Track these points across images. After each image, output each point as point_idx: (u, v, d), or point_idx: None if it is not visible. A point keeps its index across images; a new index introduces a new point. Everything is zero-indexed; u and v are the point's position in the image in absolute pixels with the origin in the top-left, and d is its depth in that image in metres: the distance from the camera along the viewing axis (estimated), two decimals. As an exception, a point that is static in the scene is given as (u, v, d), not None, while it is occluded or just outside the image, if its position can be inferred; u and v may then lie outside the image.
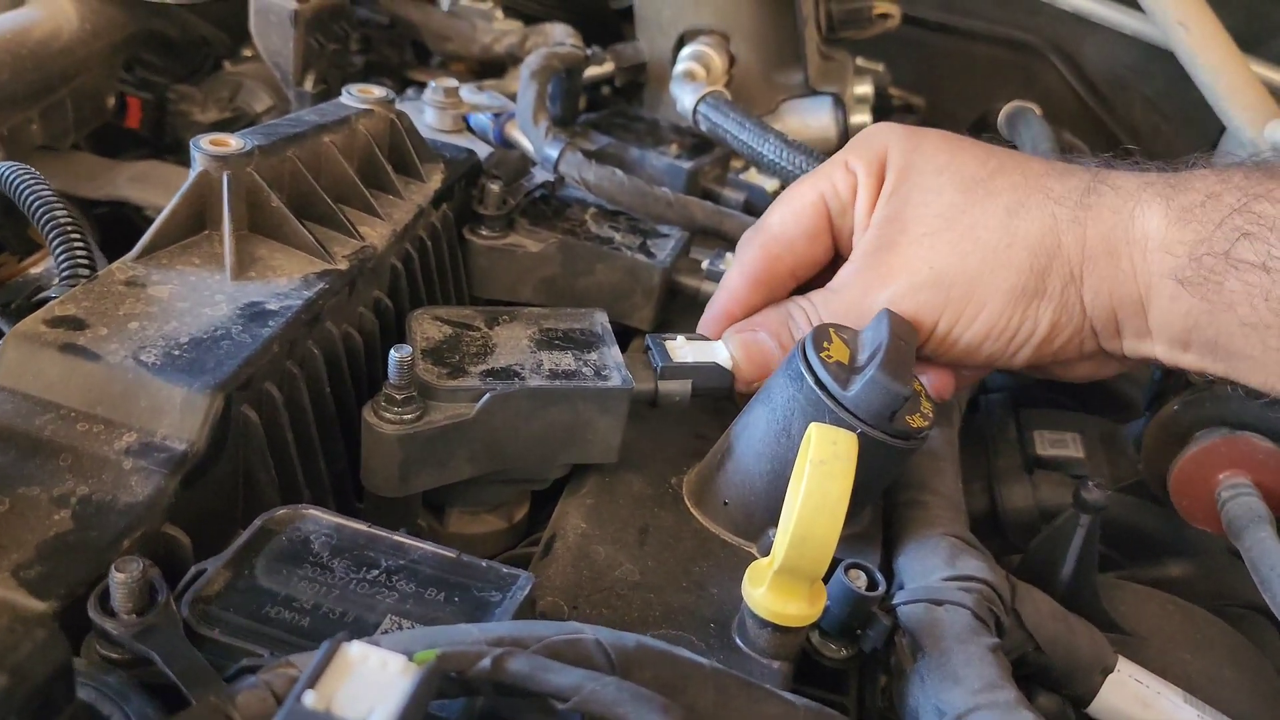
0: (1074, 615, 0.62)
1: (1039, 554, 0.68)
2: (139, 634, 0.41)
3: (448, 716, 0.40)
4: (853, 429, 0.54)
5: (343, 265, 0.63)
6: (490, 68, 1.15)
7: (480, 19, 1.13)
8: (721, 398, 0.67)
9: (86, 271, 0.64)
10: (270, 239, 0.62)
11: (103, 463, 0.48)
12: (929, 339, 0.63)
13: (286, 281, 0.60)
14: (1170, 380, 0.82)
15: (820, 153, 0.88)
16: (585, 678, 0.38)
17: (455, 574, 0.48)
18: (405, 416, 0.57)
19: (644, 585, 0.57)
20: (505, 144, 0.91)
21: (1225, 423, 0.73)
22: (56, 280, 0.66)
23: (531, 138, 0.84)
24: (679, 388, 0.64)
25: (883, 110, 1.22)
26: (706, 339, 0.68)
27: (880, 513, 0.65)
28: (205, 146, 0.60)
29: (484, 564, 0.49)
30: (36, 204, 0.67)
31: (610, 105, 1.11)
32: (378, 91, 0.74)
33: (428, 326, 0.64)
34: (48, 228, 0.66)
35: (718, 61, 1.04)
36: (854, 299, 0.65)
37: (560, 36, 1.04)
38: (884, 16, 1.15)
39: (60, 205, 0.67)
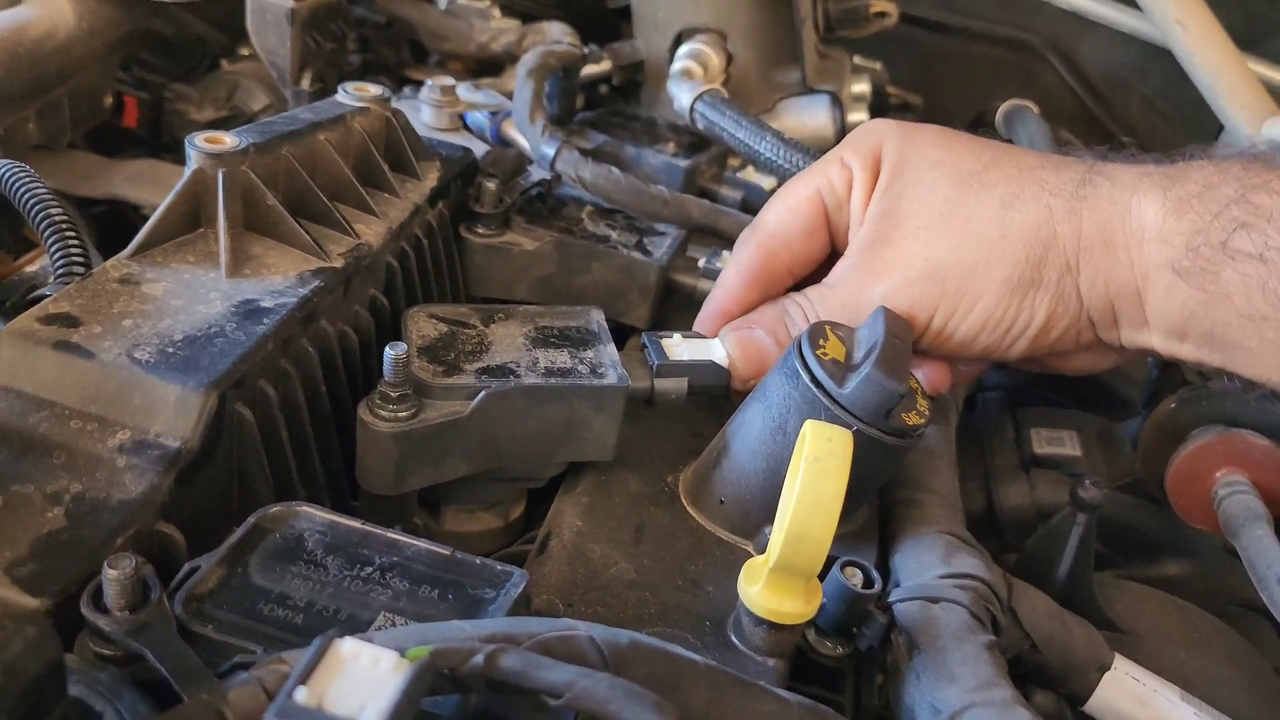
0: (1070, 614, 0.61)
1: (1035, 552, 0.68)
2: (132, 631, 0.41)
3: (440, 713, 0.40)
4: (848, 426, 0.54)
5: (338, 263, 0.63)
6: (487, 66, 1.15)
7: (477, 18, 1.13)
8: (718, 396, 0.67)
9: (81, 269, 0.64)
10: (265, 237, 0.62)
11: (96, 460, 0.48)
12: (925, 332, 0.63)
13: (281, 279, 0.60)
14: (1167, 378, 0.82)
15: (817, 151, 0.88)
16: (578, 674, 0.38)
17: (449, 571, 0.48)
18: (400, 414, 0.57)
19: (639, 583, 0.57)
20: (502, 142, 0.91)
21: (1222, 420, 0.73)
22: (51, 278, 0.65)
23: (528, 136, 0.84)
24: (675, 386, 0.64)
25: (880, 109, 1.22)
26: (703, 337, 0.68)
27: (876, 511, 0.65)
28: (200, 144, 0.60)
29: (478, 561, 0.49)
30: (32, 202, 0.67)
31: (607, 104, 1.11)
32: (373, 90, 0.74)
33: (423, 324, 0.64)
34: (43, 226, 0.66)
35: (715, 60, 1.04)
36: (850, 294, 0.65)
37: (557, 35, 1.04)
38: (881, 15, 1.15)
39: (56, 203, 0.67)
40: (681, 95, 0.96)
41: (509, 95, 0.96)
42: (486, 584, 0.47)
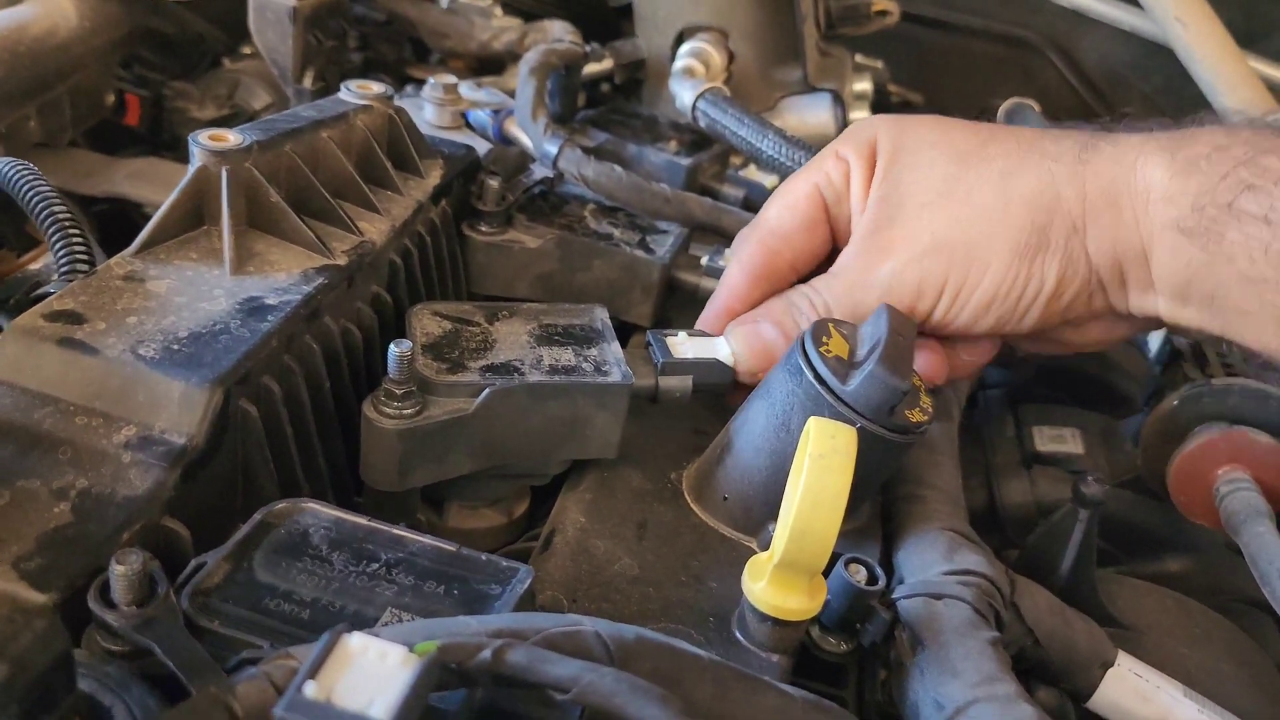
0: (1073, 610, 0.62)
1: (1038, 549, 0.68)
2: (139, 625, 0.41)
3: (447, 708, 0.40)
4: (852, 423, 0.55)
5: (341, 260, 0.63)
6: (488, 65, 1.15)
7: (478, 16, 1.12)
8: (722, 393, 0.67)
9: (85, 267, 0.64)
10: (269, 234, 0.62)
11: (102, 456, 0.48)
12: (935, 308, 0.63)
13: (285, 276, 0.60)
14: (1169, 376, 0.82)
15: (819, 149, 0.88)
16: (584, 669, 0.38)
17: (455, 567, 0.48)
18: (405, 411, 0.57)
19: (643, 580, 0.57)
20: (504, 140, 0.91)
21: (1223, 418, 0.73)
22: (55, 276, 0.65)
23: (530, 134, 0.84)
24: (680, 384, 0.64)
25: (881, 107, 1.22)
26: (707, 335, 0.68)
27: (879, 507, 0.65)
28: (204, 142, 0.60)
29: (483, 557, 0.49)
30: (35, 200, 0.67)
31: (608, 102, 1.11)
32: (376, 87, 0.74)
33: (427, 322, 0.64)
34: (47, 223, 0.66)
35: (716, 58, 1.04)
36: (856, 278, 0.64)
37: (559, 33, 1.04)
38: (882, 13, 1.15)
39: (59, 201, 0.67)
40: (684, 93, 0.96)
41: (511, 93, 0.96)
42: (492, 580, 0.48)
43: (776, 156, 0.88)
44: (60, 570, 0.43)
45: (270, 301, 0.57)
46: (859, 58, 1.22)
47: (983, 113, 1.15)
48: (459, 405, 0.58)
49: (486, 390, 0.59)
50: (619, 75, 1.10)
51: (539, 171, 0.85)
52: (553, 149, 0.82)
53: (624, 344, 0.66)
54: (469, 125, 0.92)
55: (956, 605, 0.55)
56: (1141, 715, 0.58)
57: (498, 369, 0.61)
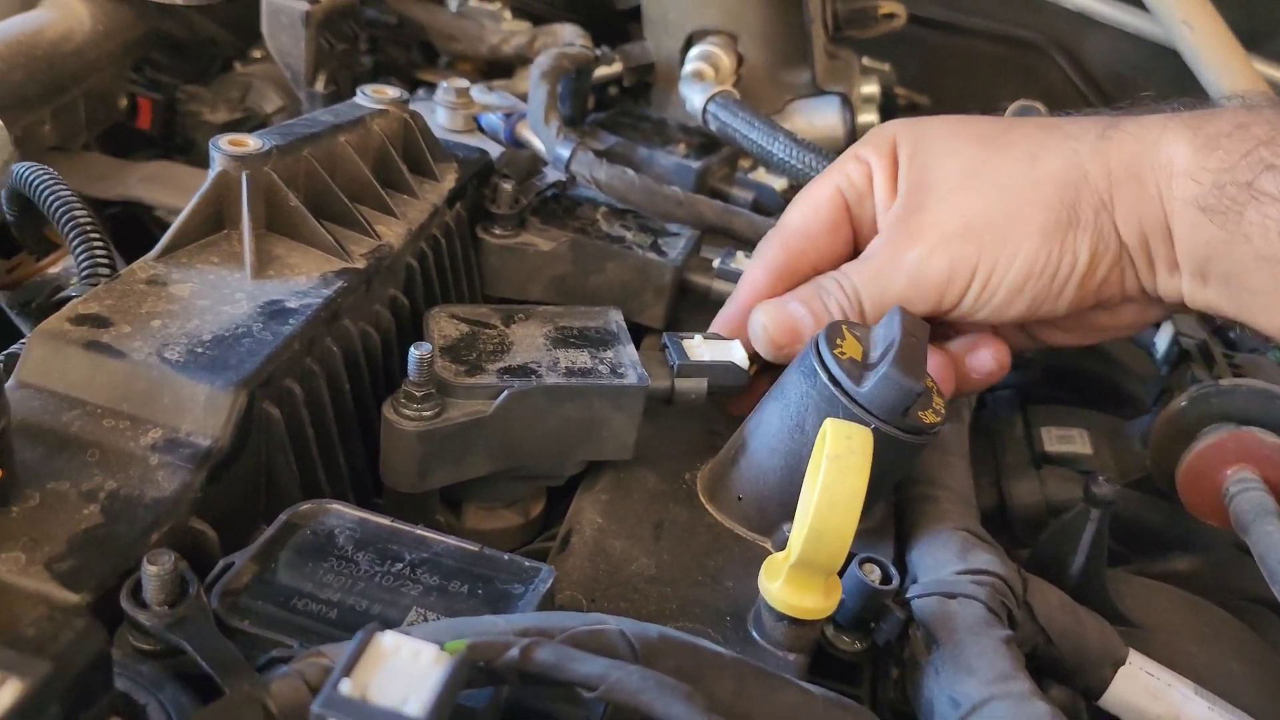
0: (1084, 609, 0.62)
1: (1049, 548, 0.68)
2: (171, 625, 0.42)
3: (474, 706, 0.41)
4: (866, 425, 0.55)
5: (360, 264, 0.63)
6: (497, 68, 1.16)
7: (488, 19, 1.13)
8: (737, 395, 0.68)
9: (106, 271, 0.65)
10: (288, 238, 0.63)
11: (129, 458, 0.49)
12: (966, 293, 0.63)
13: (305, 280, 0.61)
14: (1176, 377, 0.83)
15: (829, 151, 0.89)
16: (610, 667, 0.39)
17: (478, 567, 0.49)
18: (424, 413, 0.58)
19: (660, 579, 0.58)
20: (516, 144, 0.92)
21: (1232, 418, 0.74)
22: (75, 279, 0.66)
23: (543, 138, 0.85)
24: (695, 385, 0.65)
25: (889, 109, 1.22)
26: (723, 338, 0.68)
27: (893, 507, 0.66)
28: (224, 147, 0.61)
29: (506, 557, 0.49)
30: (56, 204, 0.68)
31: (618, 105, 1.12)
32: (392, 92, 0.74)
33: (445, 324, 0.65)
34: (67, 227, 0.66)
35: (726, 61, 1.04)
36: (884, 263, 0.65)
37: (569, 37, 1.05)
38: (890, 16, 1.16)
39: (80, 205, 0.68)
40: (694, 97, 0.97)
41: (521, 97, 0.97)
42: (515, 579, 0.48)
43: (787, 159, 0.88)
44: (91, 571, 0.44)
45: (291, 305, 0.58)
46: (866, 60, 1.23)
47: (989, 114, 1.16)
48: (477, 407, 0.59)
49: (504, 392, 0.59)
50: (628, 78, 1.11)
51: (551, 175, 0.86)
52: (565, 152, 0.83)
53: (639, 346, 0.67)
54: (481, 129, 0.93)
55: (970, 604, 0.55)
56: (1153, 713, 0.59)
57: (515, 371, 0.61)
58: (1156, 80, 1.35)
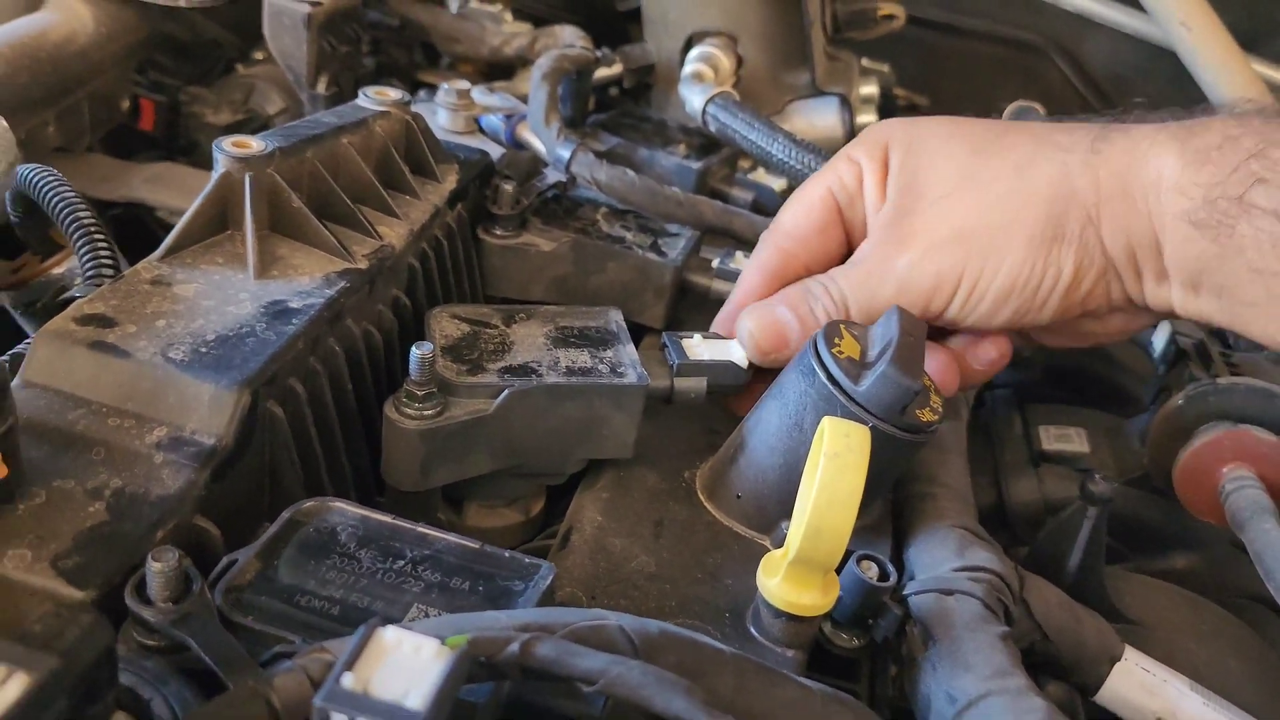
0: (1081, 606, 0.63)
1: (1046, 546, 0.69)
2: (176, 621, 0.42)
3: (475, 701, 0.41)
4: (864, 423, 0.56)
5: (362, 264, 0.64)
6: (499, 69, 1.16)
7: (489, 21, 1.14)
8: (736, 394, 0.68)
9: (111, 271, 0.65)
10: (291, 239, 0.64)
11: (134, 456, 0.49)
12: (952, 300, 0.63)
13: (308, 280, 0.61)
14: (1174, 375, 0.83)
15: (828, 152, 0.89)
16: (611, 662, 0.39)
17: (479, 564, 0.49)
18: (426, 412, 0.58)
19: (660, 576, 0.58)
20: (517, 145, 0.93)
21: (1229, 416, 0.74)
22: (80, 280, 0.67)
23: (544, 139, 0.86)
24: (694, 385, 0.65)
25: (888, 110, 1.23)
26: (722, 337, 0.69)
27: (890, 505, 0.66)
28: (227, 148, 0.61)
29: (506, 554, 0.50)
30: (60, 205, 0.68)
31: (618, 106, 1.12)
32: (394, 94, 0.75)
33: (446, 324, 0.65)
34: (72, 228, 0.67)
35: (726, 63, 1.05)
36: (874, 268, 0.65)
37: (570, 38, 1.05)
38: (889, 17, 1.16)
39: (84, 206, 0.68)
40: (694, 98, 0.97)
41: (522, 98, 0.97)
42: (516, 576, 0.49)
43: (786, 160, 0.89)
44: (97, 568, 0.44)
45: (294, 305, 0.59)
46: (865, 61, 1.23)
47: (987, 116, 1.16)
48: (479, 406, 0.60)
49: (505, 391, 0.60)
50: (628, 80, 1.11)
51: (552, 175, 0.86)
52: (566, 153, 0.83)
53: (637, 346, 0.67)
54: (482, 130, 0.94)
55: (967, 601, 0.56)
56: (1149, 709, 0.59)
57: (516, 370, 0.62)
58: (1155, 81, 1.36)
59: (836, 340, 0.60)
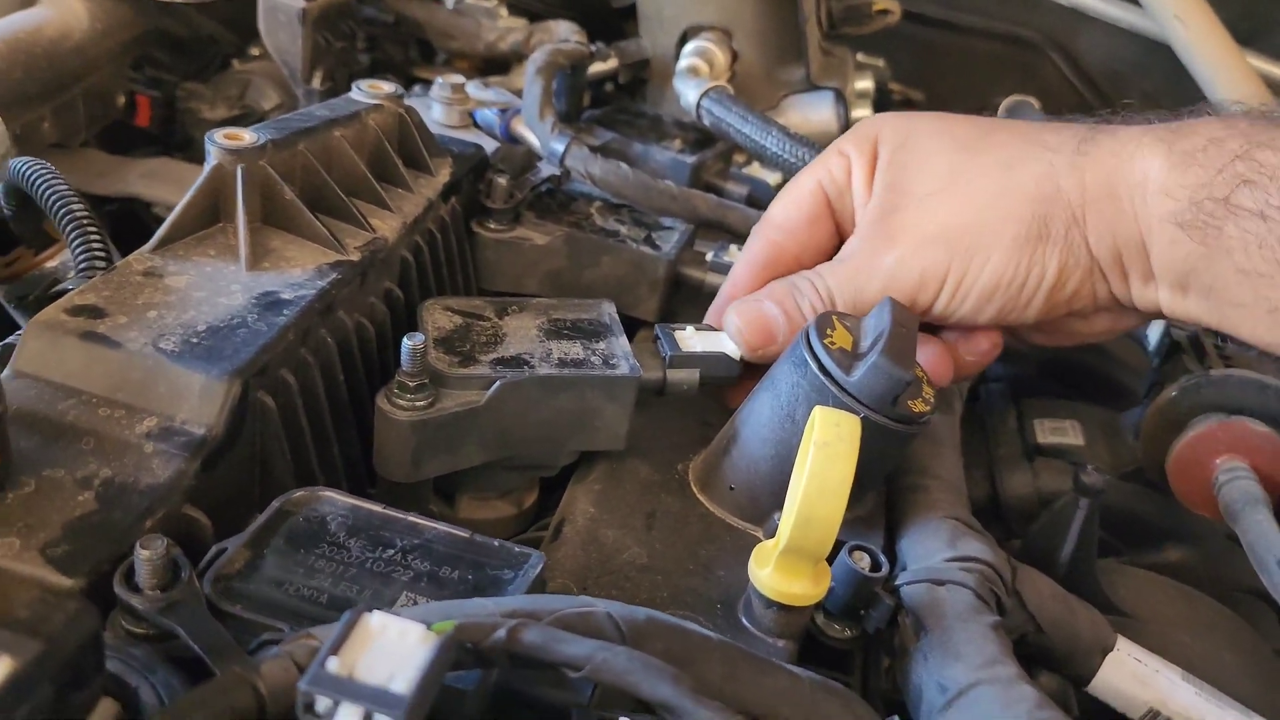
0: (1074, 597, 0.63)
1: (1039, 538, 0.69)
2: (164, 609, 0.42)
3: (463, 688, 0.41)
4: (856, 413, 0.56)
5: (355, 256, 0.64)
6: (494, 65, 1.16)
7: (485, 16, 1.14)
8: (729, 386, 0.68)
9: (103, 264, 0.65)
10: (283, 231, 0.64)
11: (125, 446, 0.49)
12: (937, 298, 0.64)
13: (300, 272, 0.61)
14: (1168, 368, 0.83)
15: (823, 146, 0.89)
16: (597, 648, 0.39)
17: (469, 553, 0.49)
18: (418, 403, 0.58)
19: (652, 568, 0.58)
20: (511, 139, 0.93)
21: (1222, 408, 0.74)
22: (73, 273, 0.67)
23: (538, 133, 0.86)
24: (687, 376, 0.65)
25: (883, 105, 1.23)
26: (715, 329, 0.69)
27: (883, 496, 0.66)
28: (219, 140, 0.61)
29: (496, 543, 0.50)
30: (53, 198, 0.68)
31: (613, 101, 1.12)
32: (387, 87, 0.75)
33: (439, 316, 0.65)
34: (64, 221, 0.67)
35: (720, 57, 1.05)
36: (860, 264, 0.65)
37: (565, 33, 1.05)
38: (884, 13, 1.16)
39: (76, 199, 0.68)
40: (688, 92, 0.97)
41: (517, 93, 0.97)
42: (505, 565, 0.49)
43: (780, 153, 0.89)
44: (86, 556, 0.44)
45: (286, 296, 0.59)
46: (861, 56, 1.23)
47: (982, 110, 1.16)
48: (470, 397, 0.60)
49: (497, 383, 0.60)
50: (623, 75, 1.11)
51: (546, 170, 0.86)
52: (560, 147, 0.83)
53: (631, 339, 0.67)
54: (476, 124, 0.94)
55: (959, 591, 0.56)
56: (1141, 699, 0.59)
57: (508, 362, 0.62)
58: (1151, 77, 1.36)
59: (829, 331, 0.60)
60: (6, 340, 0.58)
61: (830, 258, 0.69)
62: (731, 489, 0.63)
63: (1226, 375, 0.74)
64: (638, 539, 0.60)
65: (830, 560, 0.53)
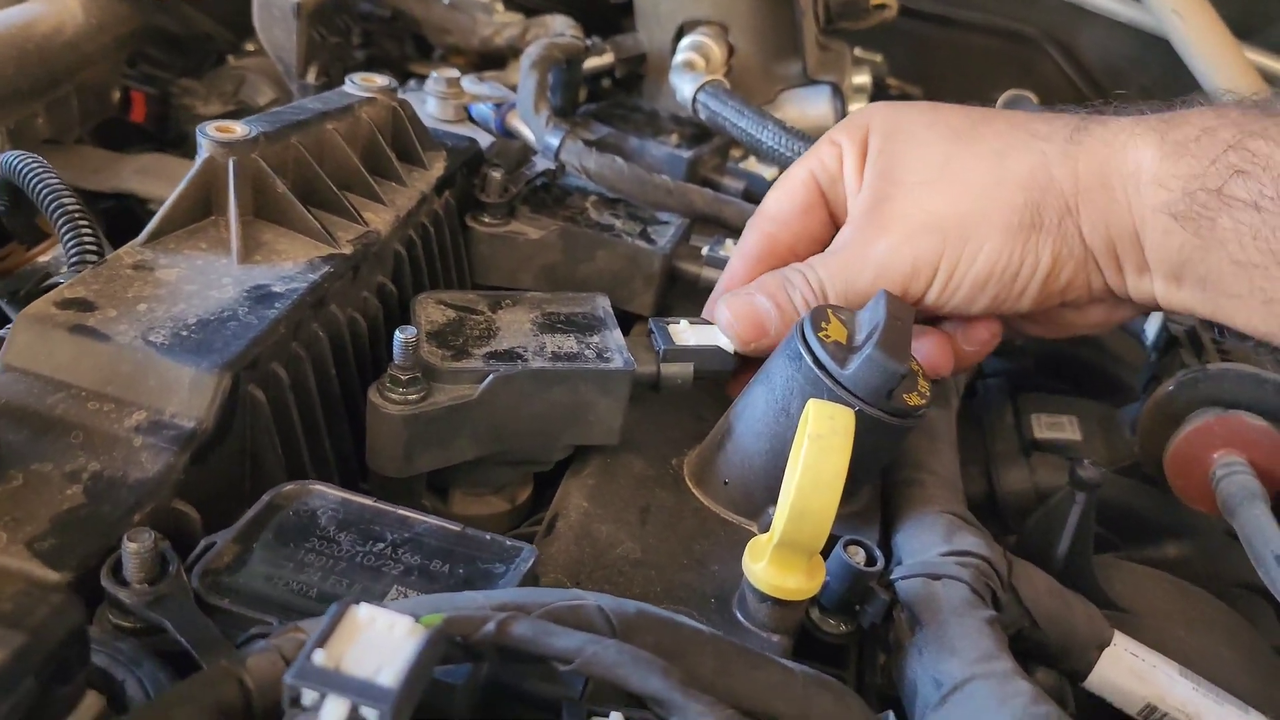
0: (1070, 592, 0.62)
1: (1035, 533, 0.68)
2: (151, 603, 0.42)
3: (453, 682, 0.41)
4: (850, 407, 0.55)
5: (347, 250, 0.63)
6: (490, 60, 1.16)
7: (480, 11, 1.13)
8: (724, 380, 0.68)
9: (95, 258, 0.65)
10: (275, 224, 0.63)
11: (113, 440, 0.49)
12: (930, 287, 0.63)
13: (292, 265, 0.61)
14: (1166, 363, 0.83)
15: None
16: (587, 641, 0.39)
17: (460, 547, 0.49)
18: (410, 397, 0.58)
19: (645, 563, 0.58)
20: (506, 133, 0.92)
21: (1219, 402, 0.74)
22: (65, 267, 0.66)
23: (533, 127, 0.85)
24: (681, 370, 0.65)
25: (880, 99, 1.22)
26: (709, 323, 0.69)
27: (879, 491, 0.66)
28: (211, 133, 0.61)
29: (487, 537, 0.50)
30: (45, 192, 0.68)
31: (610, 96, 1.12)
32: (380, 80, 0.75)
33: (432, 310, 0.65)
34: (56, 215, 0.67)
35: (717, 52, 1.05)
36: (853, 254, 0.65)
37: (560, 28, 1.05)
38: (881, 7, 1.16)
39: (69, 193, 0.68)
40: (684, 86, 0.97)
41: (513, 88, 0.97)
42: (496, 559, 0.48)
43: (776, 148, 0.88)
44: (73, 550, 0.44)
45: (277, 290, 0.58)
46: (858, 51, 1.23)
47: (980, 106, 1.16)
48: (463, 391, 0.59)
49: (490, 376, 0.59)
50: (620, 69, 1.11)
51: (541, 164, 0.86)
52: (554, 141, 0.83)
53: (626, 334, 0.67)
54: (471, 119, 0.93)
55: (954, 585, 0.55)
56: (1138, 694, 0.59)
57: (501, 356, 0.61)
58: (1150, 71, 1.36)
59: (823, 324, 0.59)
60: (-3, 334, 0.58)
61: (825, 248, 0.69)
62: (726, 483, 0.63)
63: (1224, 370, 0.74)
64: (632, 534, 0.60)
65: (825, 555, 0.53)
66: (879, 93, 1.22)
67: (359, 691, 0.33)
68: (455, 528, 0.50)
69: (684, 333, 0.67)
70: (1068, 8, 1.27)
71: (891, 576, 0.58)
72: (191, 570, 0.45)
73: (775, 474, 0.57)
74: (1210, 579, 0.77)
